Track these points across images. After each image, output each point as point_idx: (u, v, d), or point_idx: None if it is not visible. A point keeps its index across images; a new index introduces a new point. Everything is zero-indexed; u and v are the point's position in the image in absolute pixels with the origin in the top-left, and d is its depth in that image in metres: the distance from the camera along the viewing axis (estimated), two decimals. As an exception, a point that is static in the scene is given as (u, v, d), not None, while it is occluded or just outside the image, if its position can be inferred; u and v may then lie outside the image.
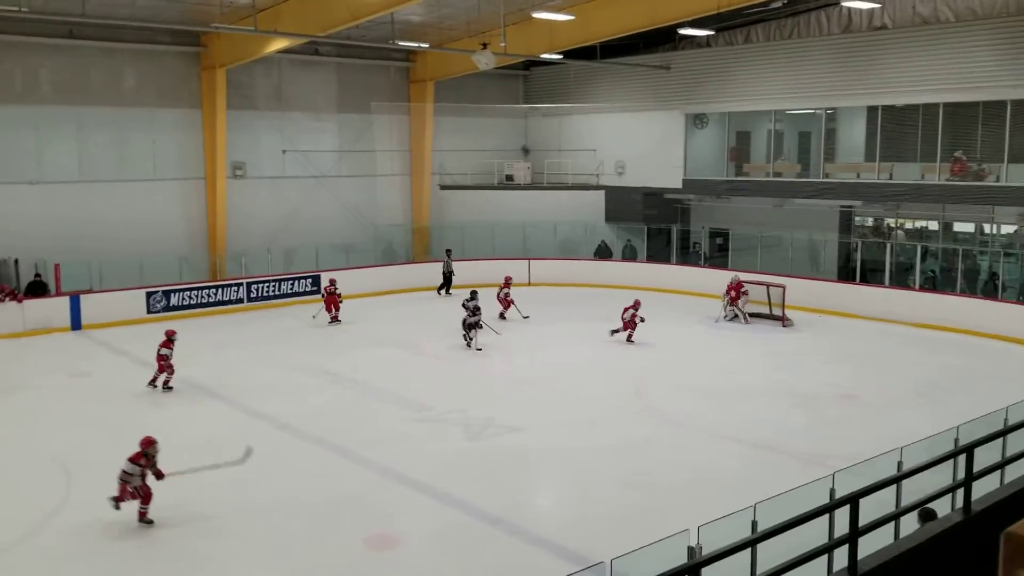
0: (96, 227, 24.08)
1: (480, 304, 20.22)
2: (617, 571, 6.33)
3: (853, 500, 4.68)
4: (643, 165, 29.87)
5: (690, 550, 6.75)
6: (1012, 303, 21.51)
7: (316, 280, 26.25)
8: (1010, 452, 7.12)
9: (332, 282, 23.39)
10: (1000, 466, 6.10)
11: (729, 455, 13.26)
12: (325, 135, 29.37)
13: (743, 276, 23.95)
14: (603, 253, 29.81)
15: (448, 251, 27.74)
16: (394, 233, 30.08)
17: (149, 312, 23.44)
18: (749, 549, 5.65)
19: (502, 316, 22.84)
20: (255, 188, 27.61)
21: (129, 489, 10.56)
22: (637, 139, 30.17)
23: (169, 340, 16.67)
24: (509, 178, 32.09)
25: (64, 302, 22.35)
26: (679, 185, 28.94)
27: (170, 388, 16.55)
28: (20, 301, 21.73)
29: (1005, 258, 23.63)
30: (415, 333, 21.75)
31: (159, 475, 10.77)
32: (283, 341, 21.09)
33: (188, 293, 24.27)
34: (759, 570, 5.94)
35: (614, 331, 20.43)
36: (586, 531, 10.51)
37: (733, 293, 22.90)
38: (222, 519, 11.00)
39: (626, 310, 20.35)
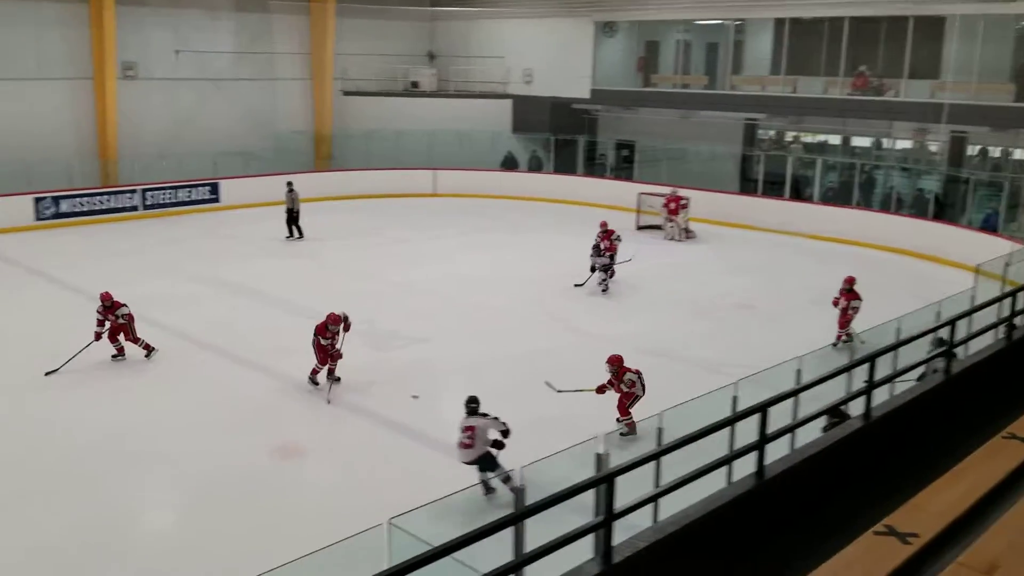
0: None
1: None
2: (528, 478, 6.42)
3: (763, 408, 4.83)
4: (551, 74, 29.51)
5: (598, 457, 6.91)
6: (905, 216, 22.43)
7: (215, 188, 25.32)
8: (901, 364, 7.48)
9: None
10: (894, 377, 6.40)
11: (632, 363, 13.56)
12: (221, 35, 27.85)
13: (648, 188, 24.23)
14: (509, 164, 29.60)
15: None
16: (295, 140, 29.07)
17: (38, 219, 22.28)
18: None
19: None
20: (146, 90, 26.12)
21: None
22: (546, 47, 29.70)
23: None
24: (414, 85, 31.27)
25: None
26: (587, 95, 28.76)
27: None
28: None
29: (901, 172, 24.49)
30: (319, 244, 21.31)
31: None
32: (182, 251, 20.40)
33: (80, 199, 23.11)
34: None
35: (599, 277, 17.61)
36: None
37: (672, 206, 22.62)
38: (125, 431, 10.72)
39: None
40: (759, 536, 5.03)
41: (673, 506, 5.21)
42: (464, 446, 8.67)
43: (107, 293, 12.80)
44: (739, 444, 5.71)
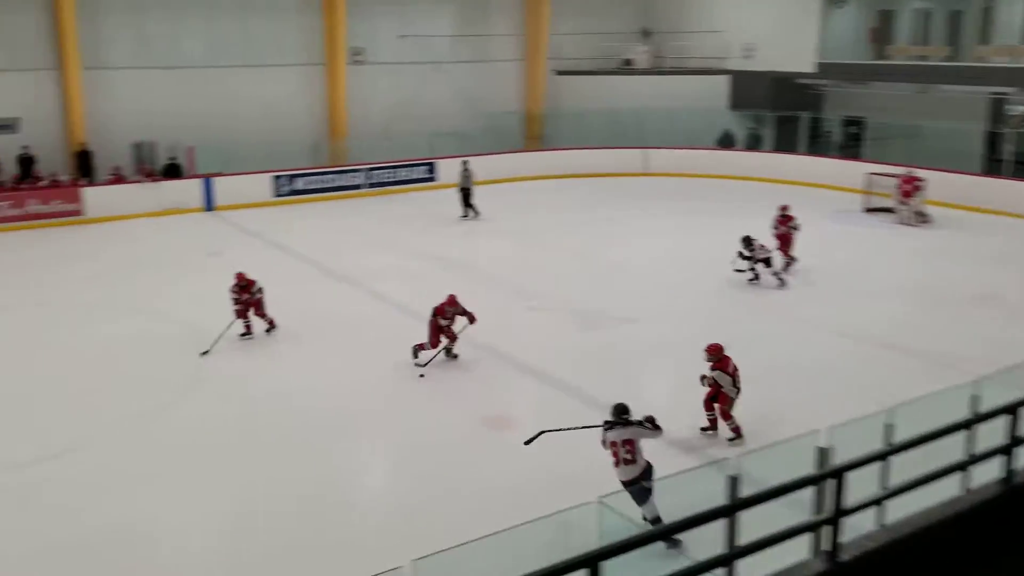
0: (225, 111, 24.69)
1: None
2: (744, 470, 6.14)
3: (1013, 409, 4.33)
4: (773, 48, 28.17)
5: (820, 451, 6.50)
6: None
7: (431, 167, 26.32)
8: None
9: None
10: None
11: (854, 354, 12.77)
12: (442, 19, 28.87)
13: (878, 168, 22.65)
14: (726, 142, 28.66)
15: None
16: (506, 120, 29.62)
17: (276, 195, 24.18)
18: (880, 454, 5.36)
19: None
20: (373, 75, 27.53)
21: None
22: (768, 20, 28.38)
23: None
24: (627, 63, 30.93)
25: (198, 184, 23.26)
26: (812, 69, 27.24)
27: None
28: (156, 181, 22.76)
29: None
30: (529, 223, 21.62)
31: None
32: (400, 227, 21.38)
33: (311, 178, 24.85)
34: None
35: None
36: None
37: (906, 188, 20.99)
38: (343, 399, 11.40)
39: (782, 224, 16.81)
40: (1003, 546, 4.53)
41: (898, 508, 4.81)
42: (627, 462, 7.70)
43: (241, 273, 13.30)
44: (974, 447, 5.18)
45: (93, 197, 21.96)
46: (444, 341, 12.24)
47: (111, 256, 18.90)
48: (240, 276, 13.25)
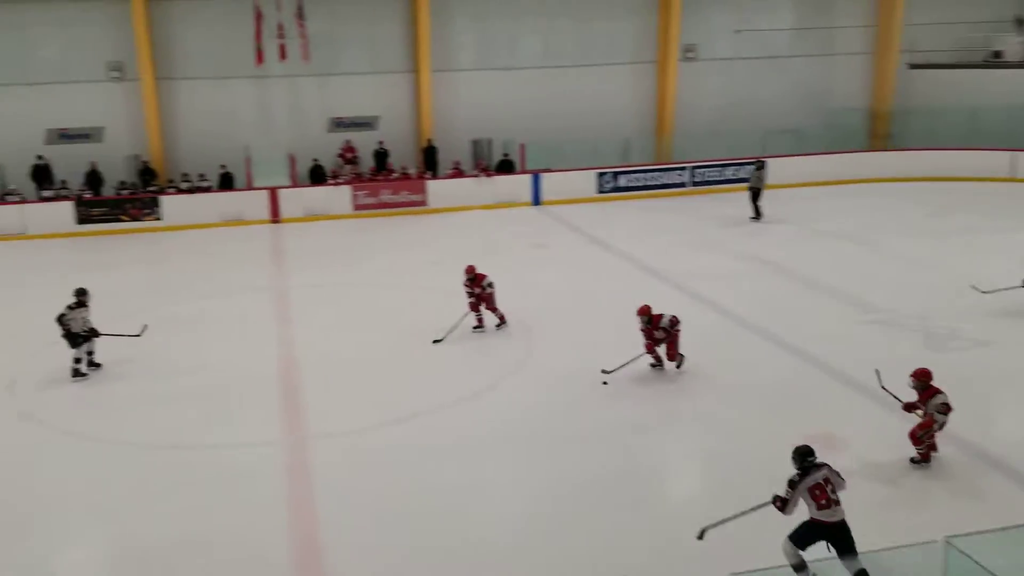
0: (557, 110, 25.44)
1: None
2: None
3: None
4: None
5: None
6: None
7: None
8: None
9: None
10: None
11: None
12: (782, 12, 27.52)
13: None
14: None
15: None
16: (849, 118, 27.54)
17: (599, 192, 24.54)
18: None
19: None
20: (704, 71, 26.93)
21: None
22: None
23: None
24: (997, 55, 27.40)
25: (527, 179, 24.24)
26: None
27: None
28: (491, 176, 24.09)
29: None
30: (870, 228, 19.87)
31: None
32: (723, 227, 20.67)
33: (635, 175, 24.90)
34: None
35: None
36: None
37: None
38: (661, 396, 11.10)
39: None
40: None
41: None
42: (836, 502, 6.83)
43: (471, 266, 13.19)
44: None
45: (435, 189, 23.73)
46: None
47: (447, 244, 20.20)
48: (470, 269, 13.33)
